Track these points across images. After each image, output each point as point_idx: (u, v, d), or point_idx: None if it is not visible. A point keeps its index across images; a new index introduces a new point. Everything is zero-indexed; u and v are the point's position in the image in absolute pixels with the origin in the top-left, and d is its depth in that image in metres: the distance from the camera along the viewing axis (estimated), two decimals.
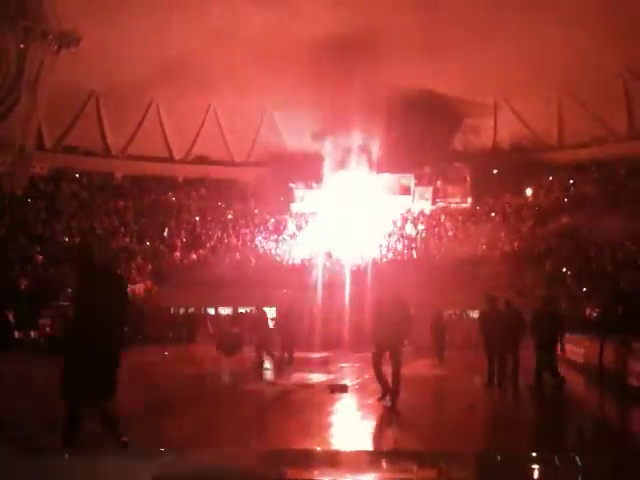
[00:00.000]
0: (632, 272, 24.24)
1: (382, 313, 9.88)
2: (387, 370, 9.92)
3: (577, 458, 2.34)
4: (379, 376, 9.96)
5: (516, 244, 31.89)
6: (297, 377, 14.02)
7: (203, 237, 36.64)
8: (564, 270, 28.19)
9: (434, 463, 2.28)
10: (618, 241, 28.23)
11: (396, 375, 9.79)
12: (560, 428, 8.67)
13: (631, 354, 12.26)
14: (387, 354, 9.87)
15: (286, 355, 16.77)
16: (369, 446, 7.17)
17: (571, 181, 38.23)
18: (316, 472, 2.08)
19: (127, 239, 35.03)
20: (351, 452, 4.71)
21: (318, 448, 6.72)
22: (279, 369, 15.85)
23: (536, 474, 2.16)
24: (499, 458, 2.78)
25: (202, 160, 43.20)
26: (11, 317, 20.16)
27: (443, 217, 37.76)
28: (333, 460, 2.47)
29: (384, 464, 2.27)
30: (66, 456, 2.41)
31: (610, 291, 20.65)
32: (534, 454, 2.56)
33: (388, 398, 9.81)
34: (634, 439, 8.23)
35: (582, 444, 7.46)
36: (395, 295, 10.27)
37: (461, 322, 25.62)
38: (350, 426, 8.73)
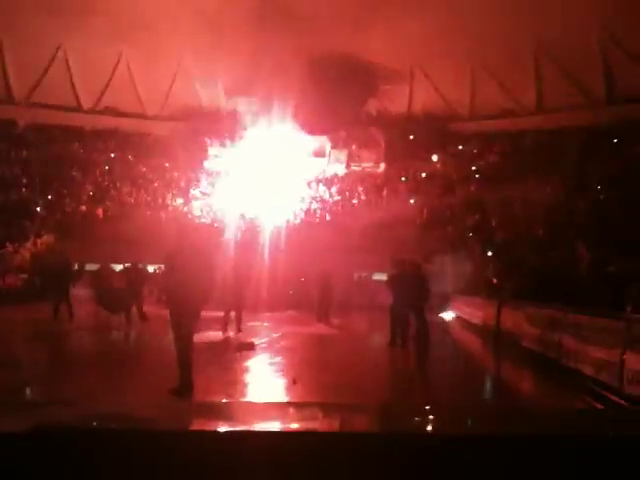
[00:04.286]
0: (531, 241, 25.38)
1: (176, 266, 7.12)
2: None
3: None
4: (188, 366, 7.16)
5: (425, 210, 32.71)
6: (205, 335, 13.95)
7: (111, 191, 35.52)
8: (469, 236, 29.23)
9: (337, 413, 2.33)
10: (518, 211, 29.45)
11: (182, 354, 7.10)
12: (450, 383, 9.10)
13: (526, 318, 12.92)
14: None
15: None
16: (274, 399, 7.27)
17: (475, 150, 39.41)
18: (221, 422, 2.07)
19: (27, 190, 33.50)
20: (256, 403, 4.76)
21: (223, 400, 6.76)
22: None
23: (429, 426, 2.25)
24: (399, 409, 2.88)
25: (112, 111, 41.56)
26: None
27: (356, 181, 38.15)
28: (238, 411, 2.47)
29: (289, 414, 2.30)
30: None
31: (509, 258, 21.55)
32: (427, 407, 2.68)
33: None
34: (518, 393, 8.82)
35: (470, 398, 7.85)
36: (194, 244, 7.45)
37: (368, 284, 26.18)
38: (255, 381, 8.83)
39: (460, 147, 40.08)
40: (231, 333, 14.63)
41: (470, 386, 9.07)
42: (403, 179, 37.52)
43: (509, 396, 8.51)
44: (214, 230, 27.87)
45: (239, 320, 15.31)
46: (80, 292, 18.69)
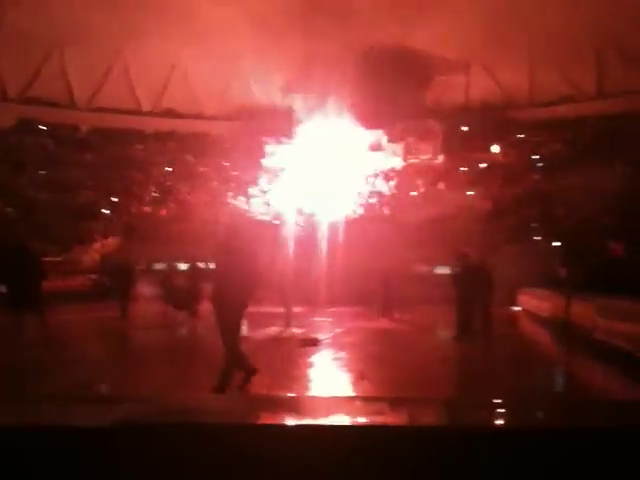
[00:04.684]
0: (597, 231, 24.68)
1: (221, 264, 7.13)
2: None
3: (536, 403, 2.39)
4: (242, 360, 7.06)
5: (487, 201, 32.18)
6: (268, 331, 14.11)
7: (173, 191, 36.28)
8: (533, 227, 28.63)
9: (404, 407, 2.30)
10: (584, 200, 28.64)
11: (228, 349, 6.93)
12: (520, 377, 8.90)
13: (597, 310, 12.55)
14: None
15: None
16: (341, 393, 7.27)
17: (536, 138, 38.50)
18: (287, 416, 2.08)
19: (92, 192, 34.55)
20: (323, 397, 4.77)
21: (290, 394, 6.80)
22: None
23: (499, 419, 2.20)
24: (467, 403, 2.83)
25: (171, 113, 42.48)
26: None
27: (414, 174, 37.83)
28: (305, 405, 2.48)
29: (356, 408, 2.28)
30: (26, 402, 2.38)
31: (576, 248, 21.00)
32: (497, 400, 2.62)
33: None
34: (590, 386, 8.55)
35: (539, 391, 7.67)
36: (239, 240, 7.17)
37: (431, 278, 25.87)
38: (321, 377, 8.85)
39: (520, 136, 39.26)
40: (295, 330, 14.70)
41: (539, 379, 8.87)
42: (463, 169, 36.97)
43: (582, 389, 8.27)
44: (265, 226, 28.14)
45: (289, 315, 15.39)
46: (150, 290, 19.29)
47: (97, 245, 29.36)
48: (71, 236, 29.09)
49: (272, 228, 28.14)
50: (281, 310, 15.34)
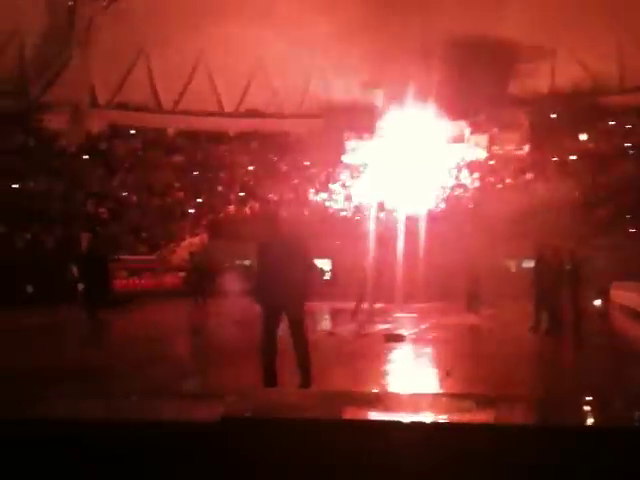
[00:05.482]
0: None
1: (272, 260, 6.72)
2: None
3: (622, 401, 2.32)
4: (268, 360, 6.60)
5: (575, 191, 31.04)
6: (353, 327, 14.15)
7: (257, 190, 36.89)
8: (627, 218, 27.48)
9: (490, 405, 2.29)
10: None
11: (302, 351, 6.70)
12: (613, 373, 8.56)
13: None
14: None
15: None
16: (425, 390, 7.22)
17: (628, 126, 36.80)
18: (374, 413, 2.11)
19: (181, 194, 35.62)
20: (408, 395, 4.76)
21: (375, 390, 6.82)
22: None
23: (589, 417, 2.15)
24: (555, 401, 2.77)
25: (252, 113, 43.16)
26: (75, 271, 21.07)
27: (499, 165, 36.94)
28: (390, 402, 2.49)
29: (441, 405, 2.28)
30: (133, 398, 2.51)
31: None
32: (589, 398, 2.55)
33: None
34: None
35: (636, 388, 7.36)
36: (292, 236, 7.02)
37: (518, 272, 25.28)
38: (406, 373, 8.82)
39: (611, 123, 37.62)
40: (384, 325, 14.63)
41: (633, 376, 8.50)
42: (551, 159, 35.78)
43: None
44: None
45: (360, 309, 15.35)
46: (235, 287, 19.82)
47: (185, 244, 30.26)
48: (161, 235, 30.14)
49: (352, 223, 28.19)
50: (364, 306, 15.35)
